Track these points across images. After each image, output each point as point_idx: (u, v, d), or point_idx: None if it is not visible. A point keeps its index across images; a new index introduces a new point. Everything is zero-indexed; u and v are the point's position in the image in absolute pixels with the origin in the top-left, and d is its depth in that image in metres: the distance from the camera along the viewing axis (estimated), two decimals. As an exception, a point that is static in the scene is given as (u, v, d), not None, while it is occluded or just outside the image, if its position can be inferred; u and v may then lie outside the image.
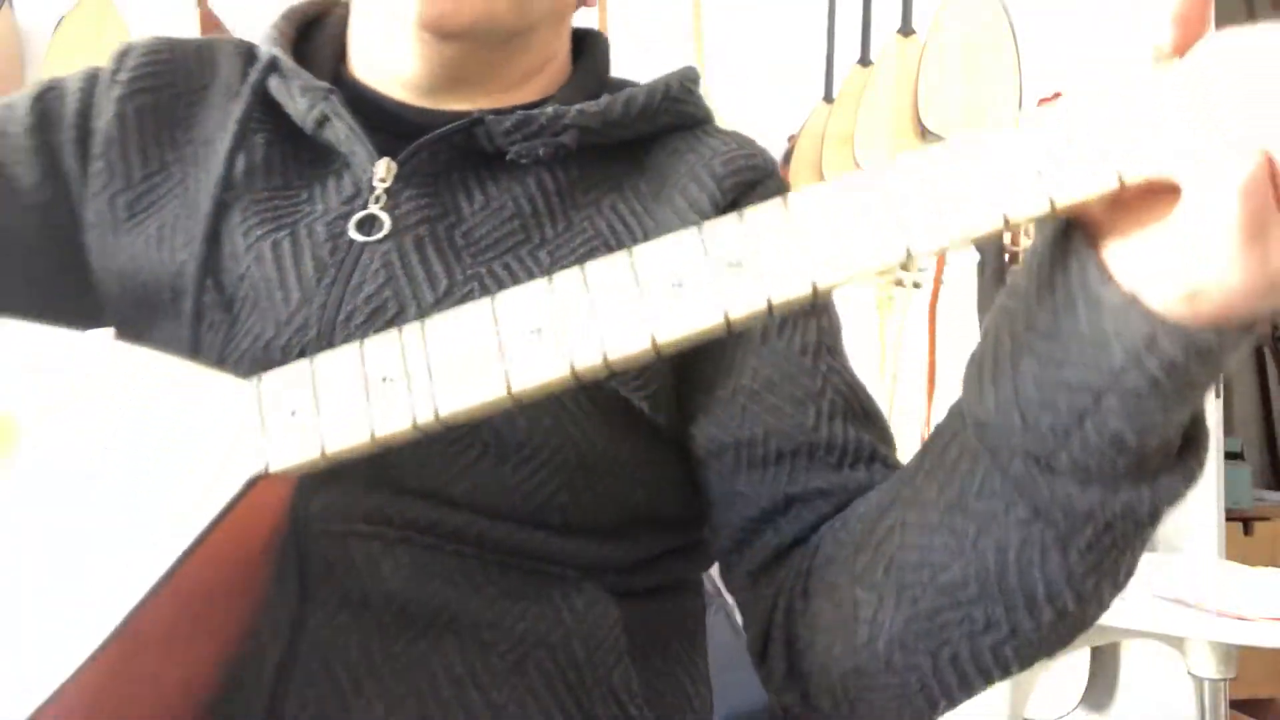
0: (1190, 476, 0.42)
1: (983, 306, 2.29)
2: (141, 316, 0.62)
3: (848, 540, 0.52)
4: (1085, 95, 0.38)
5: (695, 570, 0.67)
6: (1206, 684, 1.53)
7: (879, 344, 2.61)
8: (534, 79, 0.66)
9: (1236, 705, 2.35)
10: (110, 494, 0.43)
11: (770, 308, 0.39)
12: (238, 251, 0.59)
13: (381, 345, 0.42)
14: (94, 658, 0.39)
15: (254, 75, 0.63)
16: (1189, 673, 1.54)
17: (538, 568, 0.57)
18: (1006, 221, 0.37)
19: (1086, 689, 2.06)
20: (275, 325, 0.57)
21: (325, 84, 0.62)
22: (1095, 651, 2.05)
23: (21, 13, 2.26)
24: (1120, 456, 0.40)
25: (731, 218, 0.40)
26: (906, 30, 2.30)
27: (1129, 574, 0.46)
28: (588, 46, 0.71)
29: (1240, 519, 2.73)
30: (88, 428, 0.44)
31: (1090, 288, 0.39)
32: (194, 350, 0.57)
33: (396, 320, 0.56)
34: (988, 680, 0.50)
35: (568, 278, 0.40)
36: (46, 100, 0.65)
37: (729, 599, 0.99)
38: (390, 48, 0.63)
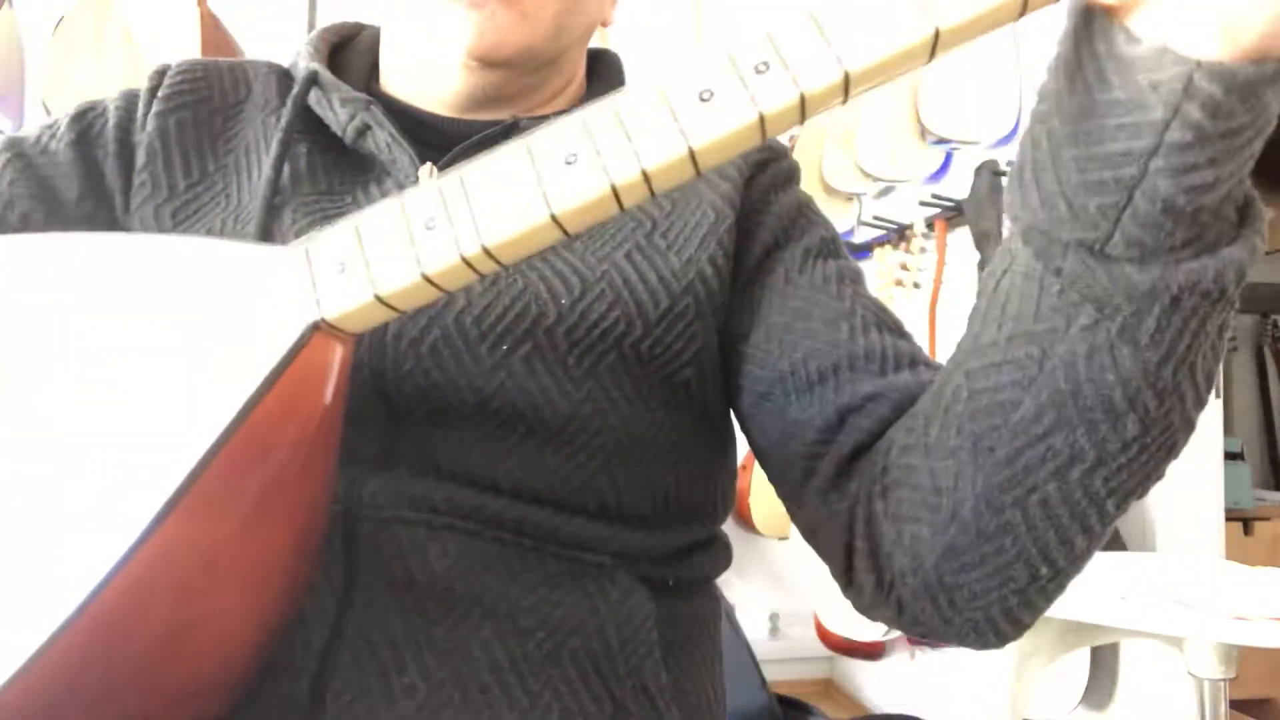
0: (1252, 247, 0.41)
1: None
2: None
3: (916, 424, 0.52)
4: None
5: (716, 569, 0.69)
6: (1206, 684, 1.53)
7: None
8: (559, 96, 0.70)
9: (1236, 705, 2.35)
10: (167, 364, 0.43)
11: (803, 101, 0.39)
12: None
13: (421, 195, 0.43)
14: (159, 520, 0.39)
15: (296, 88, 0.67)
16: (1189, 673, 1.54)
17: (574, 555, 0.59)
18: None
19: (1086, 689, 2.06)
20: None
21: (364, 95, 0.65)
22: (1095, 651, 2.05)
23: (21, 13, 2.26)
24: (1176, 225, 0.40)
25: (751, 30, 0.41)
26: (906, 30, 2.30)
27: (1208, 380, 0.45)
28: (603, 65, 0.76)
29: (1240, 519, 2.73)
30: (137, 313, 0.45)
31: (1119, 51, 0.38)
32: None
33: (446, 310, 0.59)
34: (1085, 530, 0.48)
35: (598, 111, 0.41)
36: (88, 119, 0.68)
37: (729, 599, 0.99)
38: (433, 71, 0.66)
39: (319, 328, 0.43)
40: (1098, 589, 1.46)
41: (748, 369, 0.62)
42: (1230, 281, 0.41)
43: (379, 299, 0.42)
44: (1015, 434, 0.46)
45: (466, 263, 0.42)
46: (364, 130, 0.64)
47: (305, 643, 0.53)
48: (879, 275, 2.54)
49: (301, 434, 0.44)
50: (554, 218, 0.41)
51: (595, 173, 0.40)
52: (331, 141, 0.67)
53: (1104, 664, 2.08)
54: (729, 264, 0.64)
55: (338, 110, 0.65)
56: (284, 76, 0.72)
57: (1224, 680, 1.52)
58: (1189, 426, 0.46)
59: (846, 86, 0.39)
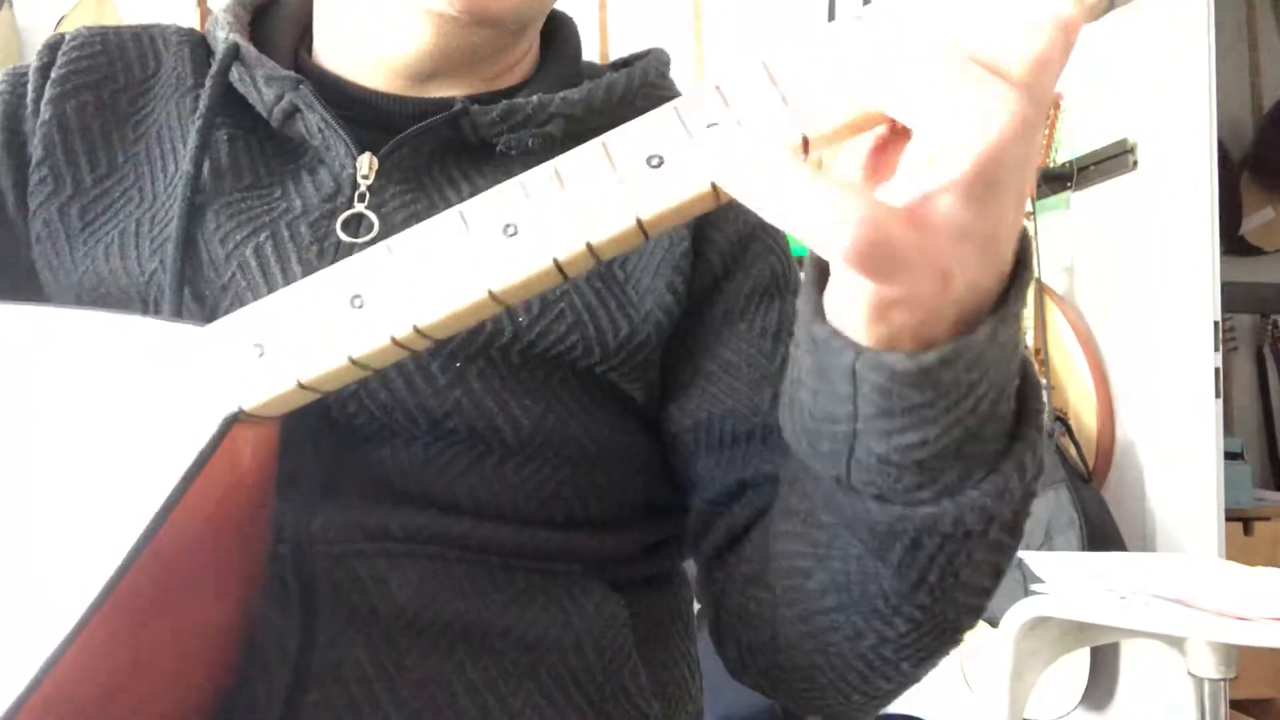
0: (999, 489, 0.39)
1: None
2: None
3: (759, 540, 0.53)
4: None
5: (684, 559, 0.67)
6: (1206, 684, 1.52)
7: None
8: (511, 60, 0.65)
9: (1236, 705, 2.35)
10: (75, 459, 0.41)
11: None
12: (216, 259, 0.56)
13: (348, 268, 0.40)
14: (87, 620, 0.38)
15: (215, 64, 0.59)
16: (1189, 673, 1.54)
17: (543, 567, 0.56)
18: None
19: (1086, 689, 2.06)
20: None
21: (293, 73, 0.58)
22: (1095, 651, 2.05)
23: (21, 13, 2.26)
24: (900, 475, 0.39)
25: (706, 87, 0.38)
26: (906, 30, 2.30)
27: (994, 574, 0.43)
28: (559, 30, 0.69)
29: (1240, 519, 2.73)
30: (37, 398, 0.42)
31: (810, 327, 0.38)
32: None
33: None
34: (889, 679, 0.49)
35: (538, 175, 0.38)
36: None
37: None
38: (388, 29, 0.59)
39: (238, 419, 0.40)
40: (1098, 589, 1.46)
41: (671, 407, 0.60)
42: (974, 523, 0.39)
43: (302, 386, 0.40)
44: (808, 598, 0.47)
45: (397, 343, 0.39)
46: (293, 113, 0.58)
47: (268, 685, 0.50)
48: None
49: (226, 519, 0.43)
50: (492, 294, 0.38)
51: (537, 246, 0.37)
52: (256, 123, 0.60)
53: (1104, 664, 2.07)
54: (687, 288, 0.60)
55: (263, 90, 0.58)
56: (199, 46, 0.64)
57: (1224, 680, 1.52)
58: (972, 615, 0.46)
59: (805, 148, 0.36)
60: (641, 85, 0.64)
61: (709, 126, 0.36)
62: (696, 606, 0.68)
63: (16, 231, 0.60)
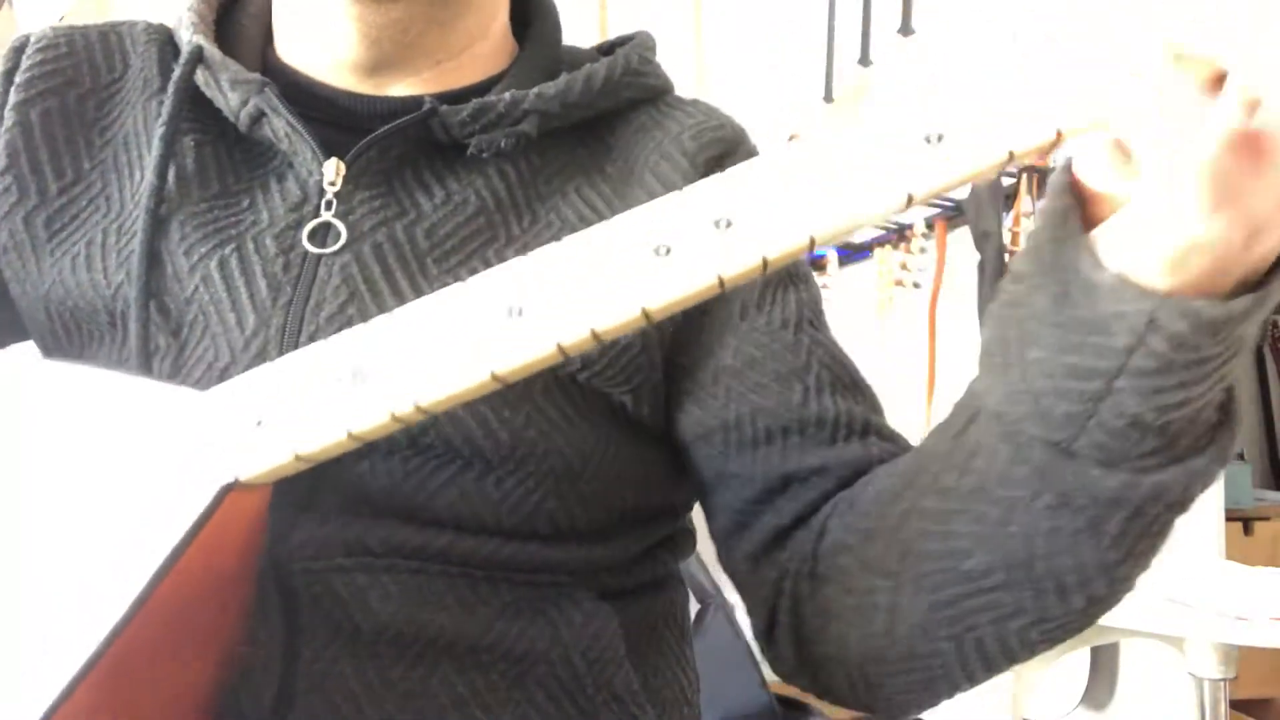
0: (1222, 456, 0.40)
1: (983, 307, 2.29)
2: (75, 341, 0.57)
3: (858, 526, 0.50)
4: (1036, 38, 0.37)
5: (678, 560, 0.66)
6: (1206, 684, 1.53)
7: (879, 344, 2.61)
8: (478, 48, 0.62)
9: (1236, 705, 2.35)
10: (71, 522, 0.41)
11: (765, 264, 0.37)
12: (181, 272, 0.55)
13: (350, 340, 0.40)
14: (74, 685, 0.38)
15: (178, 69, 0.57)
16: (1189, 673, 1.54)
17: (530, 579, 0.55)
18: (1011, 155, 0.36)
19: (1086, 689, 2.06)
20: (231, 351, 0.53)
21: (258, 75, 0.56)
22: (1095, 651, 2.05)
23: (21, 13, 2.26)
24: (1143, 438, 0.38)
25: (715, 176, 0.38)
26: (906, 30, 2.30)
27: (1157, 551, 0.44)
28: (536, 16, 0.66)
29: (1240, 519, 2.73)
30: (34, 456, 0.42)
31: (1082, 273, 0.37)
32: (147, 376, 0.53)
33: None
34: (1012, 661, 0.48)
35: (545, 253, 0.38)
36: None
37: (729, 599, 0.99)
38: (323, 24, 0.58)
39: (233, 488, 0.40)
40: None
41: (690, 407, 0.57)
42: (1197, 493, 0.40)
43: (299, 458, 0.39)
44: (963, 580, 0.45)
45: (397, 419, 0.39)
46: (259, 116, 0.56)
47: (253, 701, 0.49)
48: (879, 275, 2.54)
49: (215, 581, 0.43)
50: (495, 375, 0.38)
51: (542, 331, 0.37)
52: (225, 127, 0.58)
53: (1104, 664, 2.08)
54: None
55: (228, 94, 0.56)
56: (167, 46, 0.61)
57: (1224, 680, 1.52)
58: (1126, 594, 0.46)
59: (812, 245, 0.37)
60: (624, 74, 0.61)
61: (716, 222, 0.36)
62: (696, 607, 0.68)
63: None
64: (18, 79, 0.59)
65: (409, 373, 0.38)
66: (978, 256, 2.24)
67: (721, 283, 0.37)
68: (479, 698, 0.52)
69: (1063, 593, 0.44)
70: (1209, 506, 2.01)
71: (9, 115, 0.58)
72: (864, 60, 2.48)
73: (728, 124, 0.62)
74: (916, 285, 2.46)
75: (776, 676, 0.58)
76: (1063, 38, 0.35)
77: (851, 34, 2.50)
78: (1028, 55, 0.35)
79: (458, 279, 0.54)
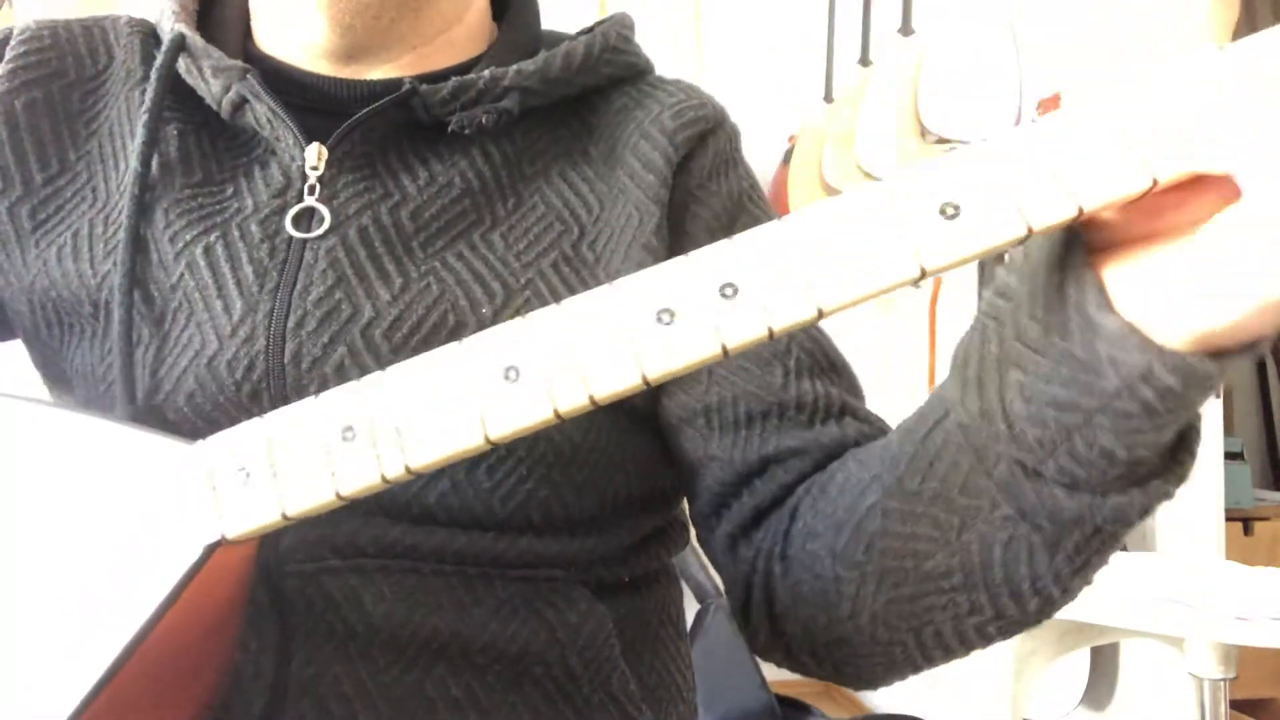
0: (1182, 475, 0.40)
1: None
2: (56, 335, 0.57)
3: (827, 513, 0.51)
4: (1109, 89, 0.35)
5: (672, 553, 0.65)
6: (1206, 684, 1.53)
7: (879, 344, 2.61)
8: (455, 32, 0.61)
9: (1236, 705, 2.35)
10: (55, 575, 0.40)
11: (771, 334, 0.36)
12: (165, 259, 0.55)
13: (340, 397, 0.39)
14: None
15: (160, 58, 0.57)
16: (1189, 673, 1.54)
17: (524, 575, 0.54)
18: (1029, 230, 0.34)
19: (1086, 689, 2.06)
20: (218, 338, 0.53)
21: (240, 63, 0.56)
22: (1095, 651, 2.05)
23: (21, 12, 2.26)
24: (1110, 468, 0.38)
25: (724, 242, 0.37)
26: (906, 30, 2.30)
27: (1108, 561, 0.45)
28: (513, 4, 0.66)
29: (1240, 519, 2.73)
30: (21, 505, 0.41)
31: (1087, 312, 0.36)
32: (127, 370, 0.53)
33: (351, 323, 0.53)
34: (971, 650, 0.49)
35: (545, 314, 0.37)
36: None
37: (729, 599, 0.99)
38: (296, 13, 0.58)
39: (219, 546, 0.40)
40: (1098, 589, 1.46)
41: (671, 389, 0.57)
42: (1154, 507, 0.40)
43: (286, 517, 0.39)
44: (922, 579, 0.46)
45: (387, 481, 0.38)
46: (241, 104, 0.56)
47: (244, 705, 0.49)
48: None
49: (201, 635, 0.43)
50: (489, 439, 0.37)
51: (538, 395, 0.36)
52: (208, 116, 0.58)
53: (1104, 664, 2.07)
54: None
55: (210, 81, 0.56)
56: (150, 37, 0.61)
57: (1224, 680, 1.52)
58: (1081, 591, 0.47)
59: (820, 317, 0.36)
60: (603, 51, 0.61)
61: (722, 289, 0.36)
62: (696, 607, 0.68)
63: None
64: (1, 71, 0.59)
65: (401, 434, 0.37)
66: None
67: (725, 352, 0.36)
68: (474, 700, 0.52)
69: (1017, 597, 0.45)
70: (1209, 506, 2.01)
71: None
72: (864, 60, 2.48)
73: (708, 103, 0.62)
74: (917, 285, 2.46)
75: (756, 655, 0.59)
76: (1086, 116, 0.34)
77: (851, 34, 2.50)
78: (1048, 130, 0.34)
79: (443, 262, 0.55)
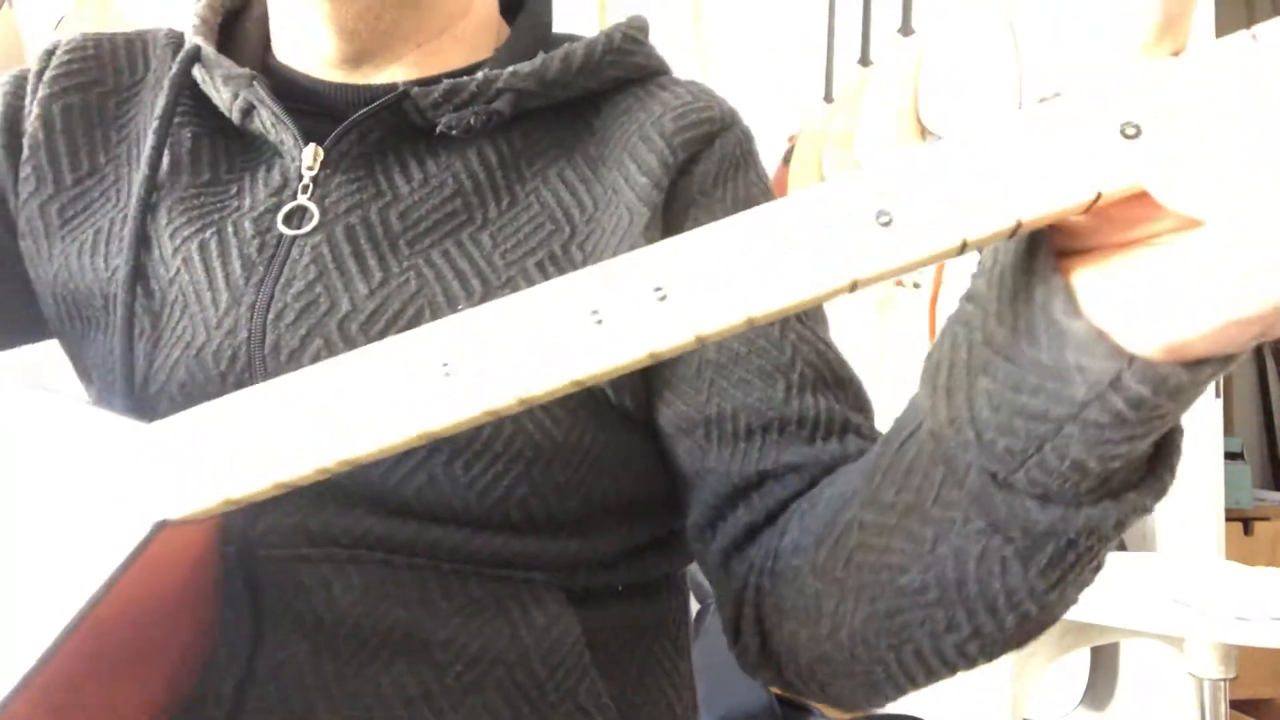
0: (1161, 489, 0.39)
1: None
2: (76, 328, 0.60)
3: (812, 528, 0.50)
4: (1059, 97, 0.33)
5: (676, 565, 0.64)
6: (1206, 684, 1.53)
7: (879, 344, 2.61)
8: (459, 29, 0.62)
9: (1236, 705, 2.35)
10: (4, 550, 0.41)
11: (700, 341, 0.35)
12: (166, 255, 0.57)
13: (283, 385, 0.39)
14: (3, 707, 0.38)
15: (174, 67, 0.60)
16: (1189, 673, 1.54)
17: (500, 574, 0.54)
18: (964, 243, 0.33)
19: (1086, 689, 2.06)
20: (205, 330, 0.54)
21: (247, 70, 0.59)
22: (1095, 651, 2.05)
23: (21, 12, 2.26)
24: (1083, 480, 0.37)
25: (659, 243, 0.36)
26: (906, 30, 2.30)
27: (1096, 572, 0.44)
28: (526, 2, 0.65)
29: (1240, 519, 2.73)
30: None
31: (1054, 317, 0.35)
32: (127, 361, 0.55)
33: (328, 316, 0.53)
34: (954, 671, 0.49)
35: (482, 311, 0.37)
36: None
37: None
38: (304, 24, 0.59)
39: (165, 526, 0.40)
40: (1098, 589, 1.47)
41: (673, 400, 0.56)
42: (1130, 521, 0.39)
43: (228, 501, 0.40)
44: (899, 594, 0.45)
45: (322, 472, 0.39)
46: (249, 109, 0.58)
47: (216, 688, 0.50)
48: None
49: (159, 611, 0.43)
50: (424, 434, 0.37)
51: (470, 393, 0.37)
52: (223, 122, 0.60)
53: (1104, 664, 2.08)
54: None
55: (220, 89, 0.59)
56: (179, 49, 0.64)
57: (1224, 680, 1.52)
58: (1063, 613, 0.46)
59: (750, 325, 0.35)
60: (606, 53, 0.60)
61: (655, 290, 0.35)
62: (695, 607, 0.67)
63: (11, 225, 0.62)
64: (46, 76, 0.63)
65: (337, 425, 0.38)
66: (978, 256, 2.24)
67: (653, 356, 0.35)
68: (431, 700, 0.52)
69: (994, 613, 0.44)
70: (1209, 506, 2.01)
71: (34, 109, 0.62)
72: (864, 60, 2.48)
73: (716, 105, 0.61)
74: (916, 285, 2.46)
75: (746, 672, 0.58)
76: (1027, 125, 0.33)
77: (851, 34, 2.51)
78: (989, 139, 0.33)
79: (426, 259, 0.55)
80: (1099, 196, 0.32)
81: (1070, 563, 0.41)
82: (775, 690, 1.26)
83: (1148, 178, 0.31)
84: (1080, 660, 2.05)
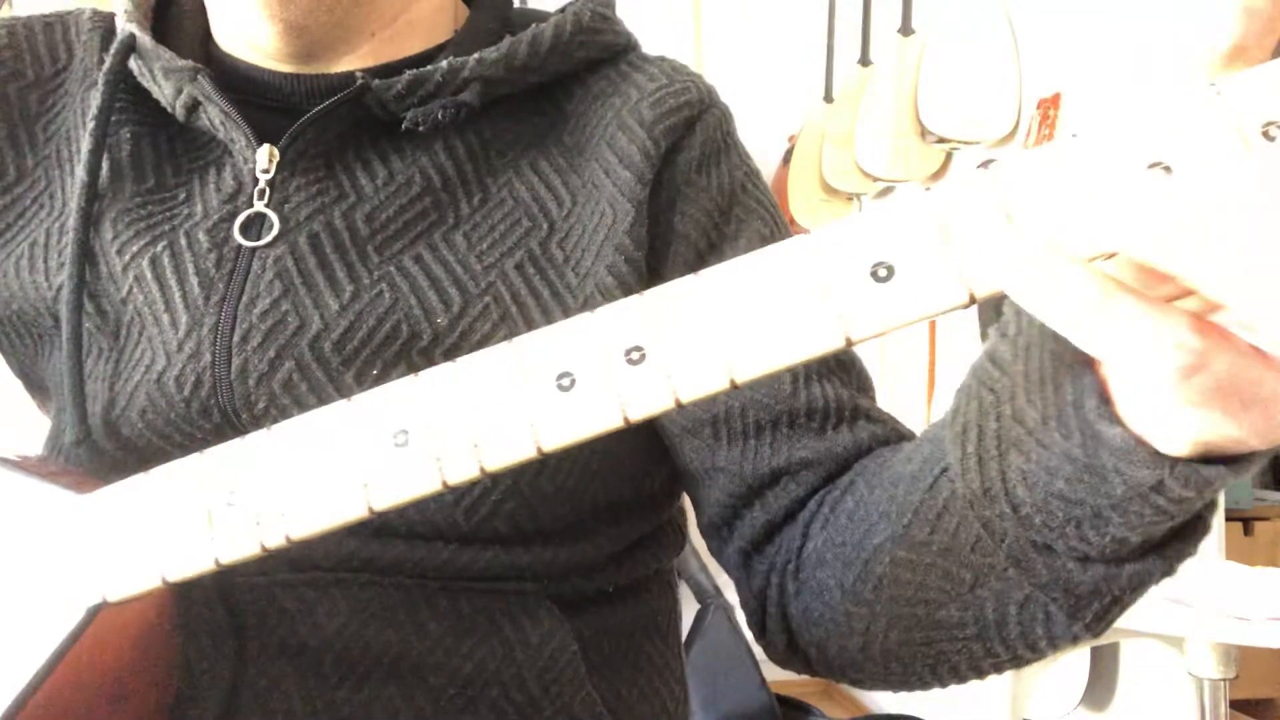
0: (1205, 530, 0.38)
1: (983, 307, 2.29)
2: (31, 345, 0.56)
3: (837, 542, 0.49)
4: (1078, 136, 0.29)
5: (665, 559, 0.62)
6: (1206, 684, 1.52)
7: (879, 344, 2.61)
8: (414, 13, 0.58)
9: (1236, 705, 2.34)
10: None
11: (679, 405, 0.33)
12: (115, 272, 0.53)
13: (224, 459, 0.37)
14: None
15: (108, 60, 0.54)
16: (1189, 673, 1.54)
17: (491, 588, 0.52)
18: (972, 298, 0.30)
19: (1086, 689, 2.06)
20: (166, 354, 0.51)
21: (190, 63, 0.54)
22: (1095, 651, 2.05)
23: (21, 12, 2.26)
24: (1123, 547, 0.36)
25: (633, 299, 0.33)
26: (906, 30, 2.30)
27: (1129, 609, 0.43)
28: None
29: (1240, 519, 2.73)
30: None
31: (1088, 420, 0.33)
32: (76, 385, 0.51)
33: (298, 336, 0.50)
34: (987, 678, 0.48)
35: (441, 371, 0.35)
36: None
37: (729, 599, 0.99)
38: (242, 20, 0.55)
39: (102, 609, 0.38)
40: (1098, 589, 1.46)
41: None
42: (1177, 569, 0.38)
43: (167, 582, 0.37)
44: (934, 626, 0.44)
45: (266, 551, 0.36)
46: (194, 105, 0.53)
47: (200, 713, 0.47)
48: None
49: (106, 682, 0.42)
50: (372, 509, 0.35)
51: (427, 464, 0.34)
52: (163, 118, 0.55)
53: (1104, 664, 2.07)
54: (636, 268, 0.53)
55: (161, 83, 0.54)
56: (109, 35, 0.58)
57: (1224, 680, 1.52)
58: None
59: (733, 388, 0.33)
60: (576, 32, 0.57)
61: (628, 352, 0.32)
62: (696, 607, 0.67)
63: None
64: None
65: (283, 504, 0.36)
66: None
67: (627, 422, 0.33)
68: None
69: (1034, 649, 0.43)
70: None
71: None
72: (864, 60, 2.48)
73: (692, 85, 0.57)
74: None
75: (770, 659, 0.57)
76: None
77: (851, 34, 2.50)
78: (997, 178, 0.30)
79: (399, 267, 0.51)
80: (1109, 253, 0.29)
81: (1116, 614, 0.40)
82: (775, 690, 1.26)
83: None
84: (1080, 660, 2.05)
